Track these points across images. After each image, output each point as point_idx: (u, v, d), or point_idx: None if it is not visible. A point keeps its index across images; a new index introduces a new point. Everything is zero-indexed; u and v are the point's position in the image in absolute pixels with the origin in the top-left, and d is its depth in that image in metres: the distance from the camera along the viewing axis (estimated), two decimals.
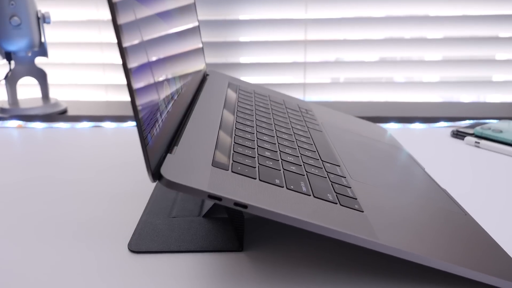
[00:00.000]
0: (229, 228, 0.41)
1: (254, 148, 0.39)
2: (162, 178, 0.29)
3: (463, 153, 0.59)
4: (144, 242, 0.39)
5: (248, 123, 0.46)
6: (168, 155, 0.32)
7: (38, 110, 0.79)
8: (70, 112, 0.81)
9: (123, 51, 0.28)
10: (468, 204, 0.45)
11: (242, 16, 0.94)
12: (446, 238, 0.35)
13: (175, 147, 0.34)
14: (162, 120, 0.34)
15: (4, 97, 0.97)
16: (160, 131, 0.33)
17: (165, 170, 0.30)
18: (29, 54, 0.81)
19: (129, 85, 0.28)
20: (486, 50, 0.93)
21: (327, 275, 0.35)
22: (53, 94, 0.96)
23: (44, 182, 0.51)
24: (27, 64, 0.82)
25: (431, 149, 0.61)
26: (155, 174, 0.29)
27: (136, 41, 0.30)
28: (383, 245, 0.30)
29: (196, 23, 0.61)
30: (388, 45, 0.94)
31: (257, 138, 0.42)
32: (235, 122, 0.45)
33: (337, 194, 0.36)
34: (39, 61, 0.91)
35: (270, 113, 0.52)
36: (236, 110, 0.49)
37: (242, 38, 0.95)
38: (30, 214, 0.44)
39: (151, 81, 0.33)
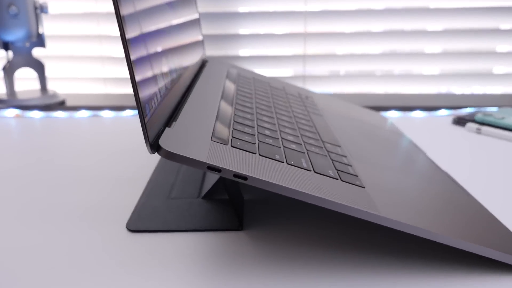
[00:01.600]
0: (229, 208, 0.40)
1: (254, 127, 0.39)
2: (161, 149, 0.29)
3: (465, 139, 0.59)
4: (142, 222, 0.38)
5: (248, 104, 0.46)
6: (167, 129, 0.31)
7: (36, 101, 0.79)
8: (69, 104, 0.81)
9: (121, 23, 0.27)
10: (470, 189, 0.45)
11: (241, 9, 0.94)
12: (448, 214, 0.34)
13: (174, 122, 0.33)
14: (160, 95, 0.33)
15: (1, 88, 0.96)
16: (159, 106, 0.32)
17: (163, 142, 0.29)
18: (27, 45, 0.80)
19: (126, 56, 0.27)
20: (486, 42, 0.92)
21: (328, 253, 0.34)
22: (51, 87, 0.96)
23: (43, 169, 0.51)
24: (25, 55, 0.81)
25: (432, 136, 0.60)
26: (154, 145, 0.29)
27: (135, 19, 0.30)
28: (385, 218, 0.30)
29: (197, 15, 0.60)
30: (388, 37, 0.93)
31: (257, 118, 0.42)
32: (234, 103, 0.44)
33: (338, 171, 0.35)
34: (37, 53, 0.91)
35: (269, 97, 0.52)
36: (235, 93, 0.48)
37: (242, 31, 0.95)
38: (32, 198, 0.44)
39: (150, 56, 0.32)
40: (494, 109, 0.72)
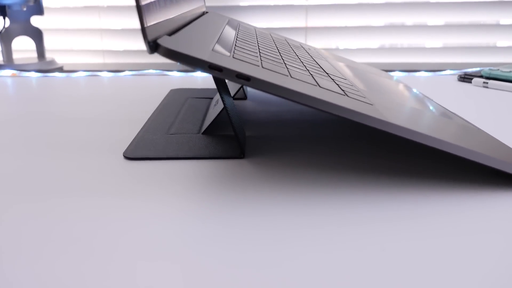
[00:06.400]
0: (230, 140, 0.39)
1: (257, 53, 0.37)
2: (160, 47, 0.27)
3: (472, 93, 0.57)
4: (140, 151, 0.37)
5: (250, 39, 0.44)
6: (166, 36, 0.30)
7: (33, 66, 0.77)
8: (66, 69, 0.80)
9: None
10: None
11: None
12: (457, 134, 0.33)
13: (173, 35, 0.32)
14: (162, 14, 0.32)
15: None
16: (159, 18, 0.31)
17: (163, 41, 0.28)
18: (24, 9, 0.79)
19: None
20: (490, 15, 0.91)
21: (328, 177, 0.33)
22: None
23: (42, 117, 0.49)
24: (22, 22, 0.80)
25: (438, 91, 0.59)
26: (152, 43, 0.27)
27: None
28: (394, 125, 0.28)
29: None
30: (390, 9, 0.92)
31: (259, 49, 0.40)
32: (235, 37, 0.43)
33: (345, 91, 0.34)
34: (36, 25, 0.89)
35: (271, 41, 0.51)
36: (237, 31, 0.47)
37: (243, 2, 0.94)
38: (32, 134, 0.42)
39: None
40: None
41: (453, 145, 0.29)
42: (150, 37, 0.27)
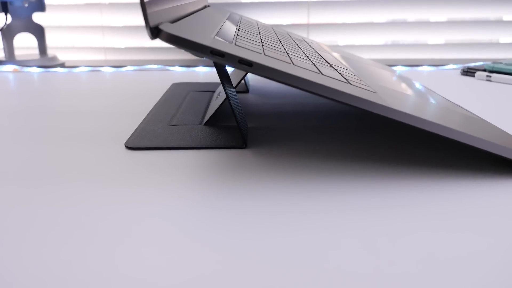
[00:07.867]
0: (232, 130, 0.38)
1: (259, 42, 0.37)
2: (161, 32, 0.27)
3: (475, 86, 0.57)
4: (142, 141, 0.36)
5: (251, 30, 0.44)
6: (168, 23, 0.30)
7: (35, 62, 0.77)
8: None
9: None
10: None
11: None
12: (462, 122, 0.33)
13: (175, 22, 0.32)
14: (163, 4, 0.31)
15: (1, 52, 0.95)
16: (161, 2, 0.30)
17: (164, 26, 0.27)
18: (26, 5, 0.79)
19: None
20: (492, 11, 0.91)
21: (332, 166, 0.32)
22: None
23: (46, 111, 0.49)
24: (24, 18, 0.80)
25: (442, 85, 0.58)
26: (154, 29, 0.27)
27: None
28: (399, 111, 0.28)
29: None
30: (393, 7, 0.92)
31: (262, 39, 0.40)
32: (238, 28, 0.43)
33: (347, 79, 0.34)
34: (37, 22, 0.89)
35: (273, 33, 0.50)
36: (239, 23, 0.47)
37: None
38: (37, 127, 0.42)
39: None
40: None
41: (460, 133, 0.29)
42: (152, 23, 0.27)
